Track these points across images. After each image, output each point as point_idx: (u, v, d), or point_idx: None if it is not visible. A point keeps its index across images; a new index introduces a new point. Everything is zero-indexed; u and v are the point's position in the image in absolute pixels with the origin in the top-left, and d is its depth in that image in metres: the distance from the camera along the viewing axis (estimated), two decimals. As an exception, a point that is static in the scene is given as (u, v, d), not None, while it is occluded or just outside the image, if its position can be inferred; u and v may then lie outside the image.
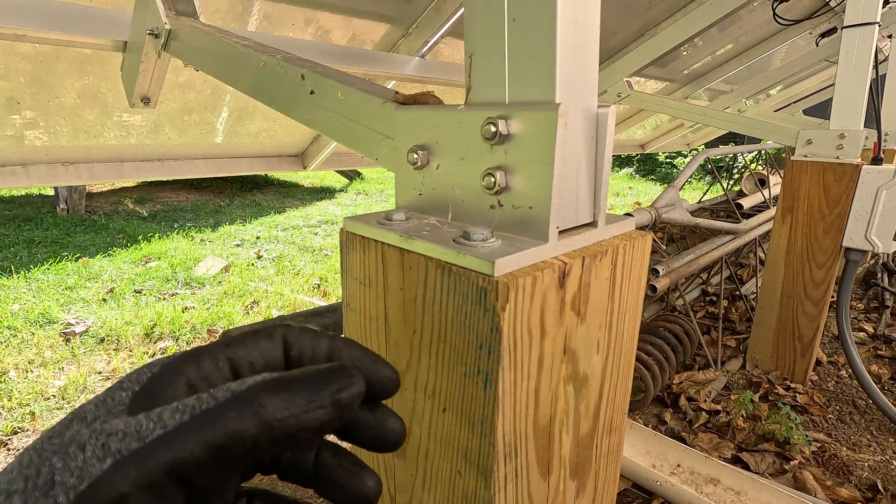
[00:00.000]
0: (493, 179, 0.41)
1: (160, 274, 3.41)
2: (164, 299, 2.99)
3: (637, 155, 8.67)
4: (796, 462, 1.53)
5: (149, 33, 1.02)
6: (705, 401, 1.84)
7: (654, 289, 1.84)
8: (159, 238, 4.41)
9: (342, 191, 7.49)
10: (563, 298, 0.40)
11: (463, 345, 0.39)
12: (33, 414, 1.79)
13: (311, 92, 0.64)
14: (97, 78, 1.58)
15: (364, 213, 0.50)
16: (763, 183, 3.73)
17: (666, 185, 2.24)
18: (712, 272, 3.04)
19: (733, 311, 2.63)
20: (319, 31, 1.74)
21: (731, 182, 5.82)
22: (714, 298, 2.84)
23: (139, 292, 3.09)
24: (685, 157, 8.37)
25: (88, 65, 1.51)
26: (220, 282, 3.32)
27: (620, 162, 9.37)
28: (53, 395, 1.92)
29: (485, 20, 0.41)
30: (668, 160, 8.70)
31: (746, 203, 3.20)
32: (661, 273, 1.90)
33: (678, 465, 1.45)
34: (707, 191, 3.94)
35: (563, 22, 0.38)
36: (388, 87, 2.11)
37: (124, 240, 4.39)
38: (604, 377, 0.49)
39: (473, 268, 0.37)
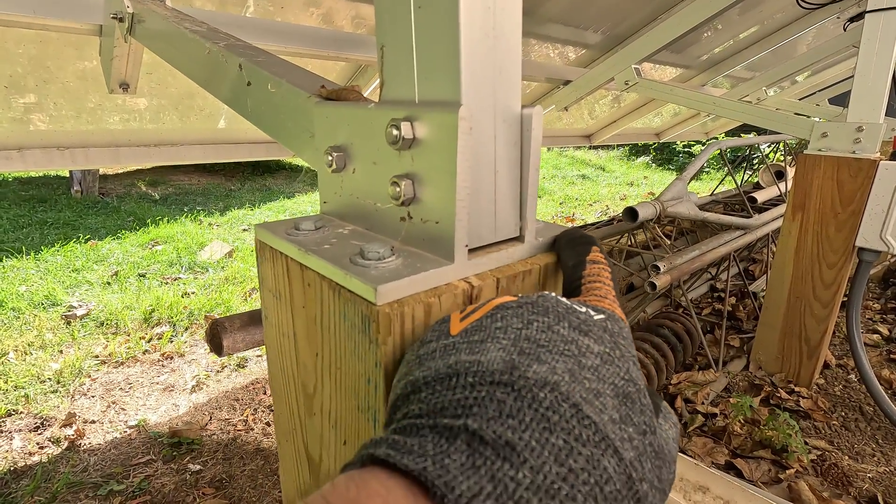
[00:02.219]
0: (398, 189, 0.36)
1: (165, 258, 3.44)
2: (166, 283, 3.02)
3: (654, 143, 8.45)
4: (793, 471, 1.47)
5: (113, 17, 0.98)
6: (703, 403, 1.78)
7: (653, 286, 1.78)
8: (168, 221, 4.45)
9: (353, 176, 7.46)
10: (470, 326, 0.36)
11: (355, 376, 0.35)
12: (27, 397, 1.82)
13: (248, 83, 0.60)
14: (99, 62, 1.55)
15: (277, 220, 0.46)
16: (780, 175, 3.59)
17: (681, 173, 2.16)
18: (721, 268, 2.95)
19: (741, 308, 2.55)
20: (317, 15, 1.69)
21: (751, 173, 5.63)
22: (722, 295, 2.75)
23: (143, 276, 3.12)
24: (703, 145, 8.14)
25: (88, 48, 1.49)
26: (223, 267, 3.33)
27: (637, 150, 9.14)
28: (49, 378, 1.94)
29: (392, 7, 0.36)
30: (685, 149, 8.46)
31: (761, 196, 3.07)
32: (661, 270, 1.83)
33: (667, 471, 1.40)
34: (720, 182, 3.81)
35: (470, 9, 0.32)
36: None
37: (134, 223, 4.44)
38: (535, 405, 0.44)
39: (359, 292, 0.33)
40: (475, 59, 0.34)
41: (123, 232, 4.12)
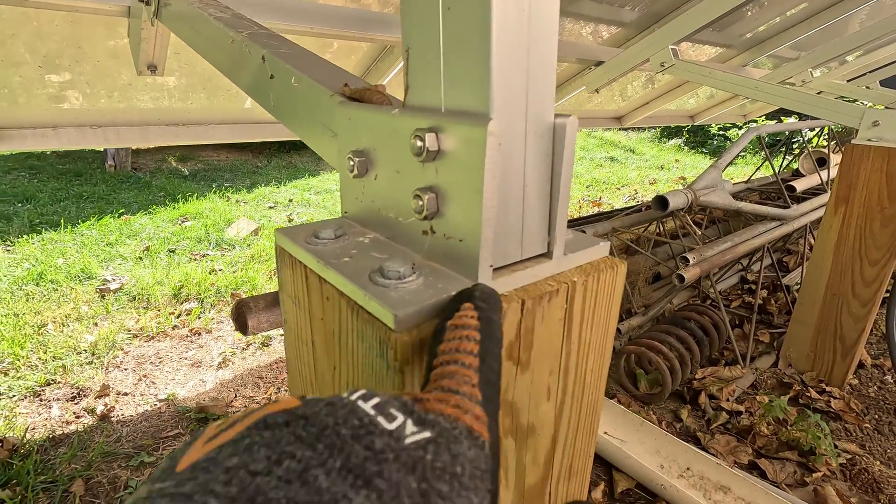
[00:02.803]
0: (420, 203, 0.34)
1: (194, 234, 3.51)
2: (194, 260, 3.09)
3: (688, 126, 8.14)
4: (820, 474, 1.43)
5: (140, 0, 0.97)
6: (727, 400, 1.74)
7: (681, 279, 1.73)
8: (197, 198, 4.53)
9: (377, 154, 7.44)
10: (493, 349, 0.34)
11: (372, 397, 0.34)
12: (65, 367, 1.90)
13: (271, 76, 0.59)
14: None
15: (298, 225, 0.45)
16: (822, 163, 3.42)
17: (716, 160, 2.07)
18: (753, 258, 2.85)
19: (772, 302, 2.46)
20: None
21: (791, 158, 5.38)
22: (753, 287, 2.66)
23: (173, 251, 3.20)
24: (740, 128, 7.79)
25: (119, 26, 1.49)
26: (249, 244, 3.39)
27: (669, 133, 8.84)
28: (85, 350, 2.02)
29: (420, 7, 0.34)
30: (721, 132, 8.13)
31: (801, 185, 2.93)
32: (690, 262, 1.77)
33: (688, 469, 1.38)
34: (758, 168, 3.65)
35: (503, 11, 0.30)
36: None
37: (165, 198, 4.54)
38: (558, 424, 0.43)
39: (377, 315, 0.31)
40: (507, 65, 0.31)
41: (154, 207, 4.22)
